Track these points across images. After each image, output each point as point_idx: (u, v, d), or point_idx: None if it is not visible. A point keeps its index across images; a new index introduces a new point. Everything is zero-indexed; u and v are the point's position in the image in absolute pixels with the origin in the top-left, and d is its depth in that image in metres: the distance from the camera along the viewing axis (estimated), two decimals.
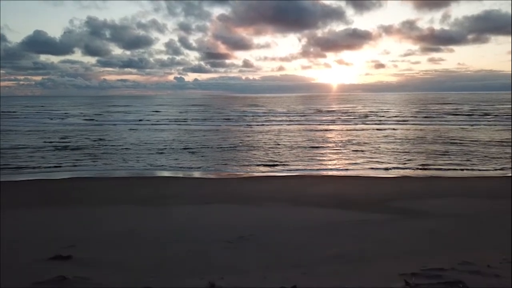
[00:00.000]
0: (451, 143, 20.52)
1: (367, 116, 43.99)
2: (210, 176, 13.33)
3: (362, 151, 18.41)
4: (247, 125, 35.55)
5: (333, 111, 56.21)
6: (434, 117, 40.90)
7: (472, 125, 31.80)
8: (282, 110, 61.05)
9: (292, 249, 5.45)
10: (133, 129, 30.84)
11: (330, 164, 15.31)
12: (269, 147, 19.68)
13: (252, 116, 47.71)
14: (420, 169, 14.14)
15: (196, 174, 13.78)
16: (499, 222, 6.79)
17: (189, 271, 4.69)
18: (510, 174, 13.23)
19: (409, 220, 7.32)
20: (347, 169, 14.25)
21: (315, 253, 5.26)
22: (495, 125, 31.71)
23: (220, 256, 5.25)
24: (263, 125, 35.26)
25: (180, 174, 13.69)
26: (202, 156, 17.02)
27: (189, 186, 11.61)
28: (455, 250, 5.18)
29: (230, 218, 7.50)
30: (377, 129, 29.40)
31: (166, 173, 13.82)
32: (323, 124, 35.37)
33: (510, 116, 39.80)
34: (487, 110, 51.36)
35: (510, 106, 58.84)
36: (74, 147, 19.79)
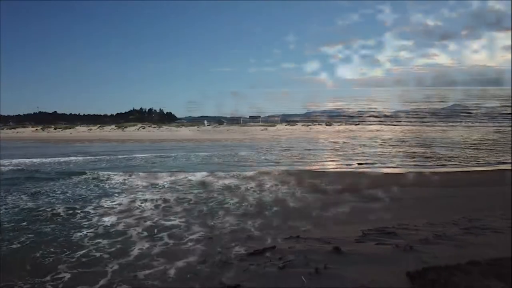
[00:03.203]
0: (427, 145, 23.51)
1: (358, 117, 47.04)
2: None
3: (346, 154, 21.35)
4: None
5: (326, 111, 59.11)
6: (418, 118, 43.94)
7: (451, 125, 34.94)
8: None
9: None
10: None
11: (317, 162, 18.22)
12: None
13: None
14: (394, 167, 17.11)
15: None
16: (435, 202, 9.77)
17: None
18: (464, 170, 16.32)
19: (374, 201, 10.24)
20: (330, 166, 17.18)
21: (310, 218, 8.21)
22: (470, 126, 34.89)
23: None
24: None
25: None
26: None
27: None
28: (398, 219, 8.07)
29: None
30: (366, 130, 32.41)
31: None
32: (316, 125, 38.37)
33: (489, 116, 43.10)
34: (472, 109, 54.69)
35: (493, 105, 62.25)
36: None
